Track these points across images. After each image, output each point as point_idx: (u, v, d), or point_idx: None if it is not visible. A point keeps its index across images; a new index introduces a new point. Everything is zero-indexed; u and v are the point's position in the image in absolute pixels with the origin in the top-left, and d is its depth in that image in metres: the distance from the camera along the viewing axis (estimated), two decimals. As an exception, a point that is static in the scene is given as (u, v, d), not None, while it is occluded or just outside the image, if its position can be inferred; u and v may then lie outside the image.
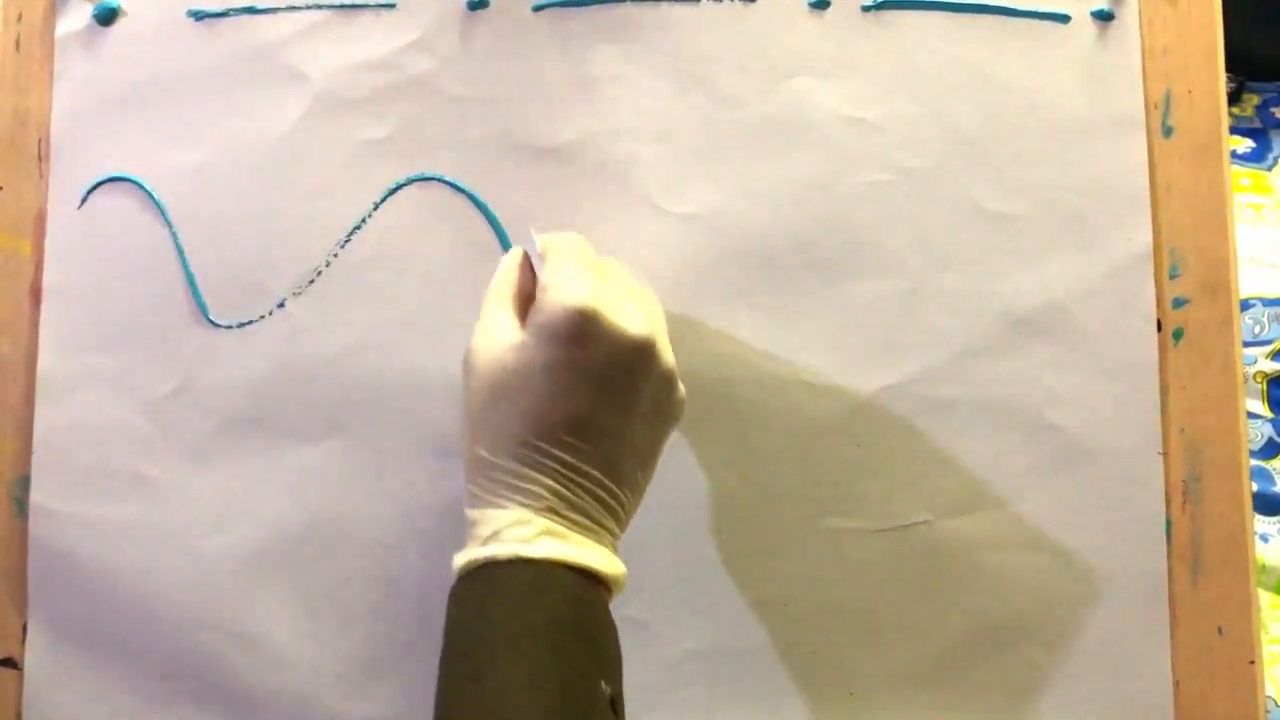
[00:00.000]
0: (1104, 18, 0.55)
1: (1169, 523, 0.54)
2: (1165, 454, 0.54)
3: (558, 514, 0.43)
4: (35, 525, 0.58)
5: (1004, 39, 0.56)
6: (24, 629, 0.58)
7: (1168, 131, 0.55)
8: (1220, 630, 0.54)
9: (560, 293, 0.43)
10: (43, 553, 0.58)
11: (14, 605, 0.58)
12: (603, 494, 0.44)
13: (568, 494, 0.44)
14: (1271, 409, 0.93)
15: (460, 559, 0.44)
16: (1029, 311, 0.55)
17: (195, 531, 0.58)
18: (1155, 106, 0.55)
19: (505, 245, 0.56)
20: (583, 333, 0.43)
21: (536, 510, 0.43)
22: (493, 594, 0.42)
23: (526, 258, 0.48)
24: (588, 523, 0.44)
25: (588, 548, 0.43)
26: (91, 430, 0.58)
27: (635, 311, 0.44)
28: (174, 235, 0.58)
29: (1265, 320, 0.94)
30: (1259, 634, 0.53)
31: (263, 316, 0.57)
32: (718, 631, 0.56)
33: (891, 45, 0.56)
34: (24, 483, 0.58)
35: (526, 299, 0.46)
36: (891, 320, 0.55)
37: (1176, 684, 0.54)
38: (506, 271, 0.48)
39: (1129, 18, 0.55)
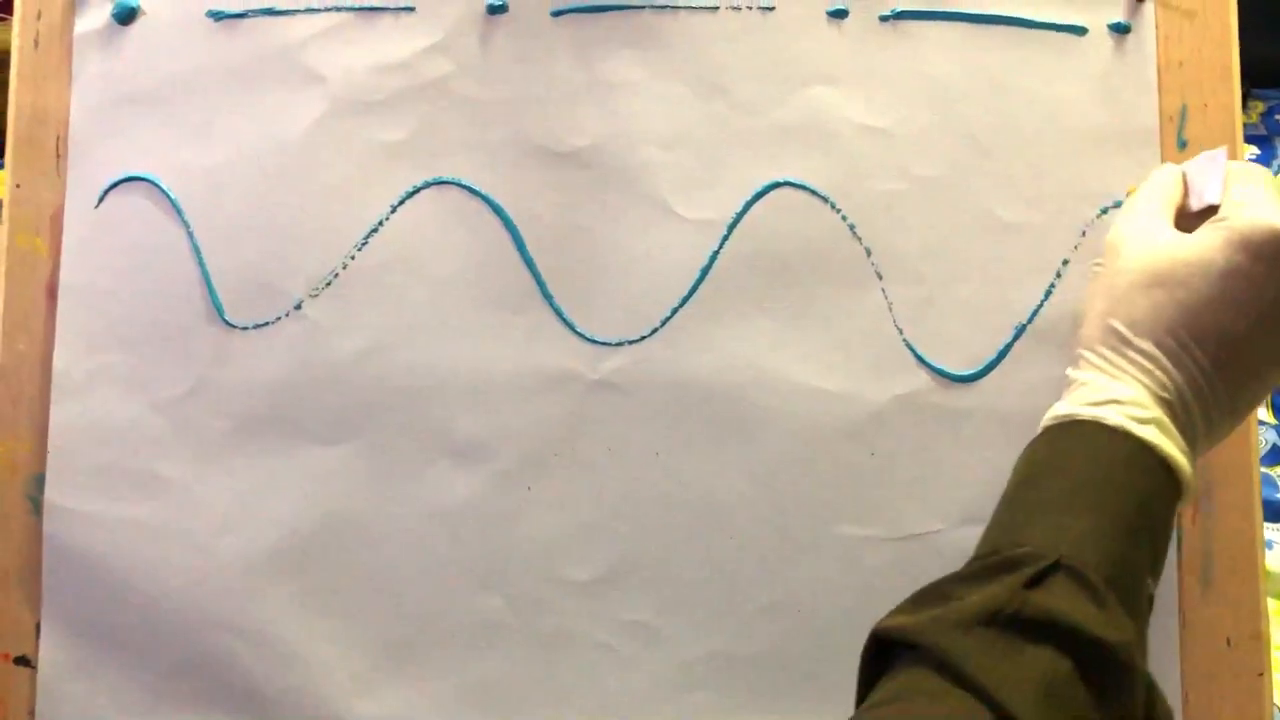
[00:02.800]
0: (1120, 30, 0.56)
1: (1179, 533, 0.54)
2: (1176, 465, 0.54)
3: (1172, 410, 0.44)
4: (49, 523, 0.58)
5: (1021, 50, 0.56)
6: (38, 627, 0.58)
7: (1183, 145, 0.55)
8: (1229, 641, 0.54)
9: (1262, 210, 0.44)
10: (57, 551, 0.58)
11: (28, 603, 0.58)
12: (1214, 413, 0.45)
13: (1189, 398, 0.44)
14: (1276, 415, 0.93)
15: (1064, 407, 0.45)
16: (1043, 321, 0.55)
17: (208, 531, 0.58)
18: (1170, 119, 0.56)
19: (522, 248, 0.57)
20: (1275, 252, 0.43)
21: (1155, 398, 0.44)
22: (1088, 451, 0.43)
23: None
24: (1190, 430, 0.44)
25: (1183, 452, 0.44)
26: (106, 429, 0.58)
27: None
28: (190, 235, 0.58)
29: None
30: (1268, 645, 0.54)
31: (279, 318, 0.58)
32: (729, 636, 0.56)
33: (908, 55, 0.56)
34: (39, 481, 0.58)
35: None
36: (906, 328, 0.56)
37: (1185, 695, 0.54)
38: (1167, 180, 0.49)
39: (1145, 31, 0.56)
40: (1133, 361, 0.45)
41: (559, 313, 0.57)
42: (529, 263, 0.57)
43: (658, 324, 0.56)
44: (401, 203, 0.57)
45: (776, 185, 0.56)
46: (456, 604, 0.57)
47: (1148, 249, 0.46)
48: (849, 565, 0.55)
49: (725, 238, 0.56)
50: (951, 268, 0.56)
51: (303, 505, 0.58)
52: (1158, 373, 0.44)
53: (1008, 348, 0.55)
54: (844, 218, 0.56)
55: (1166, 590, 0.54)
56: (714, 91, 0.57)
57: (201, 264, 0.58)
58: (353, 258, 0.57)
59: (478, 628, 0.57)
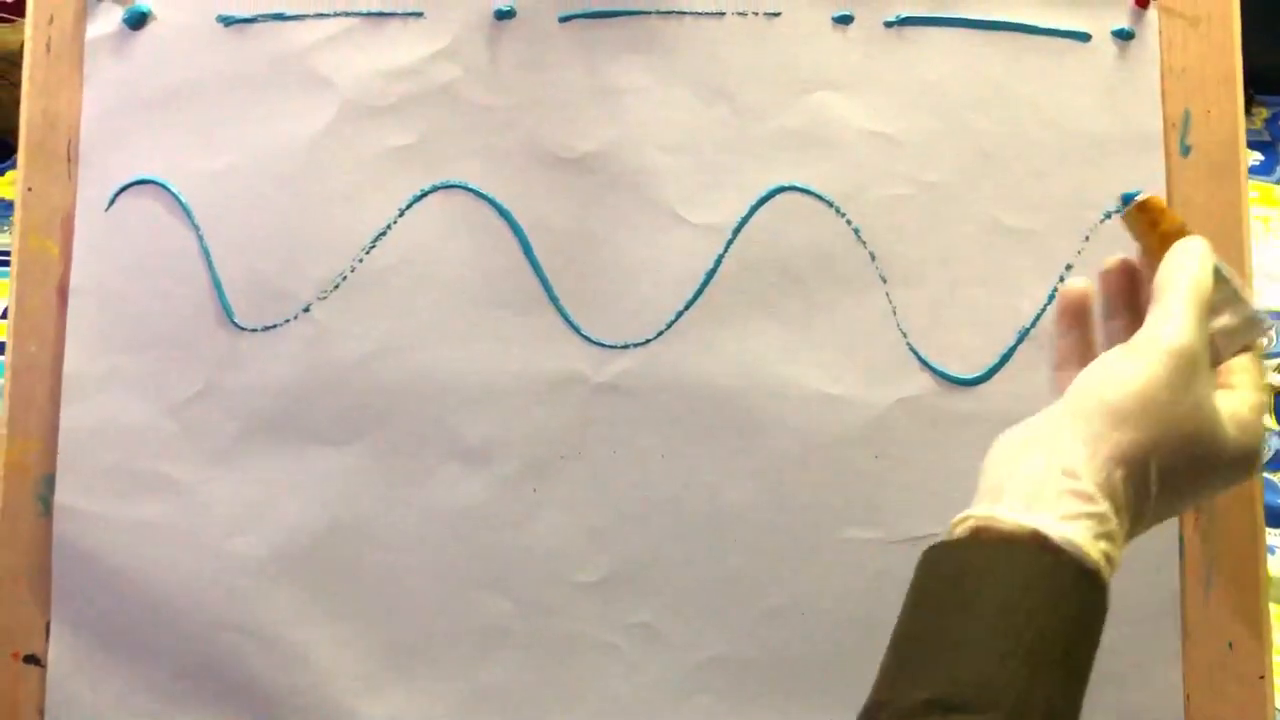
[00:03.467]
0: (1124, 37, 0.56)
1: (1182, 539, 0.55)
2: (1179, 470, 0.55)
3: (1114, 531, 0.40)
4: (59, 524, 0.58)
5: (1025, 56, 0.56)
6: (47, 626, 0.59)
7: (1186, 150, 0.56)
8: (1231, 645, 0.54)
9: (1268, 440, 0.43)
10: (66, 551, 0.58)
11: (38, 603, 0.59)
12: (1141, 532, 0.42)
13: (1141, 521, 0.41)
14: (1277, 420, 0.93)
15: (1034, 522, 0.39)
16: (1046, 326, 0.55)
17: (217, 532, 0.58)
18: (1174, 125, 0.56)
19: (528, 252, 0.57)
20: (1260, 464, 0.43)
21: (1117, 517, 0.40)
22: (1053, 582, 0.38)
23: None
24: (1119, 548, 0.40)
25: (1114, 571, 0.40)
26: (116, 430, 0.59)
27: None
28: (200, 238, 0.58)
29: (1273, 334, 0.94)
30: (1269, 648, 0.54)
31: (287, 320, 0.58)
32: (733, 639, 0.56)
33: (913, 61, 0.57)
34: (49, 482, 0.59)
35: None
36: (910, 332, 0.56)
37: (1187, 697, 0.54)
38: (1204, 283, 0.42)
39: (1149, 37, 0.56)
40: (1116, 462, 0.40)
41: (565, 316, 0.57)
42: (535, 266, 0.57)
43: (663, 327, 0.57)
44: (409, 206, 0.58)
45: (781, 190, 0.57)
46: (463, 606, 0.57)
47: (1187, 405, 0.40)
48: (853, 568, 0.56)
49: (730, 242, 0.56)
50: (955, 272, 0.56)
51: (310, 507, 0.58)
52: (1121, 498, 0.40)
53: (1011, 352, 0.56)
54: (848, 222, 0.56)
55: (1168, 593, 0.54)
56: (719, 97, 0.57)
57: (211, 267, 0.58)
58: (361, 261, 0.58)
59: (484, 630, 0.57)
